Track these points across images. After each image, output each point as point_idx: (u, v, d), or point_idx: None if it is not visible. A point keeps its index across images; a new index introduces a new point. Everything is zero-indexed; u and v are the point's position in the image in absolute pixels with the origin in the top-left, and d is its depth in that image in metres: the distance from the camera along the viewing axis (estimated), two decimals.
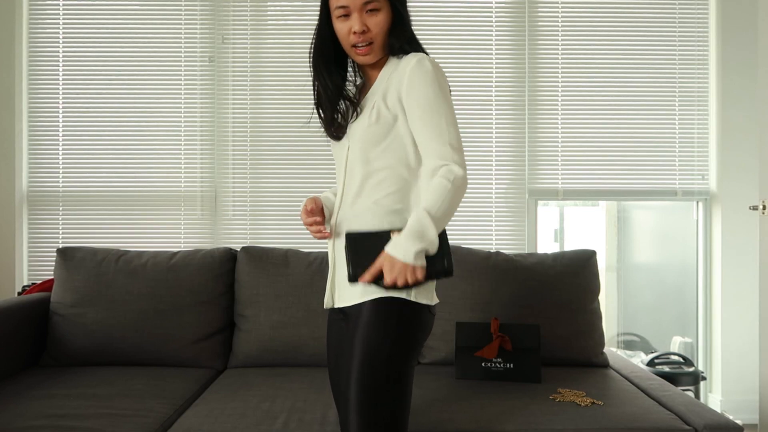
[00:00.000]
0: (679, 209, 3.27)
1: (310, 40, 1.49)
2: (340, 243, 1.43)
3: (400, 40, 1.43)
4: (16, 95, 2.97)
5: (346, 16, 1.40)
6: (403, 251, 1.28)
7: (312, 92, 1.51)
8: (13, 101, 2.96)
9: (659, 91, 3.07)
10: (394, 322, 1.33)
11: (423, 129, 1.35)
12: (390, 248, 1.30)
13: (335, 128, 1.48)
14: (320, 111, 1.51)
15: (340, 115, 1.47)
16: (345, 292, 1.42)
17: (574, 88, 3.06)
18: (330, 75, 1.47)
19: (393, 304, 1.34)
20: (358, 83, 1.55)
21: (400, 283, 1.28)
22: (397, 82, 1.39)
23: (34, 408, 1.76)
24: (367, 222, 1.39)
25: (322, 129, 1.51)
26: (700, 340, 3.12)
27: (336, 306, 1.47)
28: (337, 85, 1.47)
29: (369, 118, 1.39)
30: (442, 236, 1.34)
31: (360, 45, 1.40)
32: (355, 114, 1.44)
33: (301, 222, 2.96)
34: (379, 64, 1.47)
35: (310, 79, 1.53)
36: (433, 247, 1.30)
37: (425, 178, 1.37)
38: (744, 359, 2.98)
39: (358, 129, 1.42)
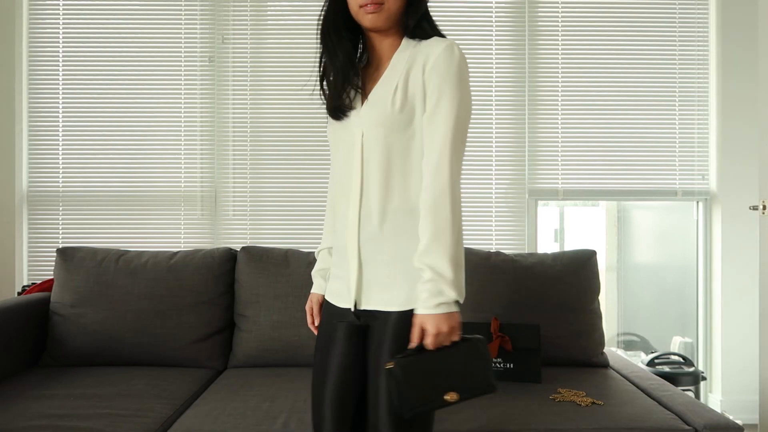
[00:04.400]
0: (679, 209, 3.27)
1: (321, 10, 1.40)
2: (366, 237, 1.31)
3: (416, 16, 1.34)
4: (16, 95, 2.97)
5: None
6: (434, 306, 1.21)
7: (318, 67, 1.41)
8: (13, 101, 2.96)
9: (659, 91, 3.07)
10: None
11: (430, 126, 1.27)
12: (421, 308, 1.22)
13: (338, 105, 1.35)
14: (324, 84, 1.39)
15: (347, 93, 1.34)
16: (378, 294, 1.31)
17: (574, 88, 3.06)
18: (339, 41, 1.37)
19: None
20: (363, 59, 1.44)
21: (444, 333, 1.22)
22: (421, 65, 1.29)
23: (34, 408, 1.76)
24: (406, 230, 1.29)
25: (325, 107, 1.40)
26: (700, 340, 3.12)
27: (363, 308, 1.33)
28: (347, 53, 1.36)
29: (392, 105, 1.28)
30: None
31: (368, 4, 1.30)
32: (363, 95, 1.34)
33: (301, 222, 2.99)
34: (391, 43, 1.37)
35: (311, 79, 1.47)
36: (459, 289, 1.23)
37: (424, 179, 1.27)
38: (744, 359, 2.98)
39: (375, 114, 1.30)
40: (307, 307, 1.53)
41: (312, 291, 1.54)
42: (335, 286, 1.41)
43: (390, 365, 1.21)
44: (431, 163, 1.25)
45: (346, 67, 1.35)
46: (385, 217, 1.29)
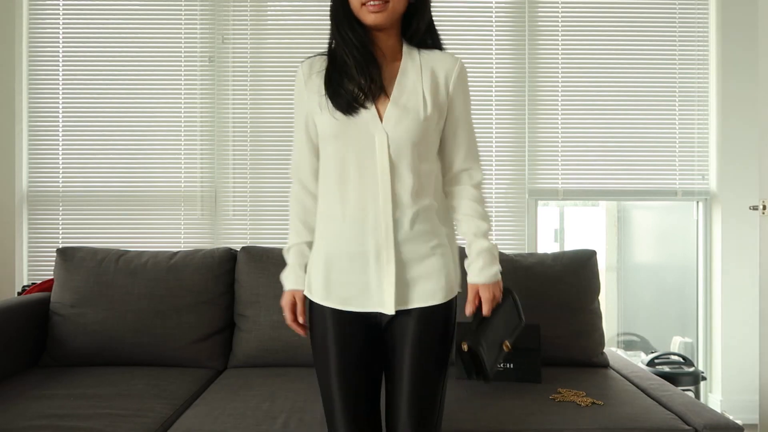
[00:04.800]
0: (679, 209, 3.27)
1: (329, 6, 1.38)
2: (401, 239, 1.32)
3: (425, 21, 1.39)
4: (16, 95, 2.96)
5: None
6: (492, 276, 1.38)
7: (326, 51, 1.39)
8: (13, 101, 2.96)
9: (659, 91, 3.06)
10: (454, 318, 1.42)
11: (461, 136, 1.42)
12: (479, 278, 1.37)
13: (353, 100, 1.31)
14: (334, 76, 1.34)
15: (367, 88, 1.30)
16: (420, 291, 1.34)
17: (574, 88, 3.06)
18: (354, 34, 1.33)
19: (453, 301, 1.40)
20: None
21: (497, 298, 1.40)
22: (443, 79, 1.36)
23: (34, 408, 1.76)
24: (432, 227, 1.36)
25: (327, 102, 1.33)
26: (700, 340, 3.12)
27: (407, 307, 1.33)
28: (362, 42, 1.32)
29: (425, 112, 1.32)
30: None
31: (372, 2, 1.28)
32: (382, 93, 1.32)
33: None
34: (394, 43, 1.37)
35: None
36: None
37: (460, 182, 1.43)
38: (744, 359, 2.98)
39: (407, 120, 1.31)
40: (287, 302, 1.43)
41: (294, 287, 1.43)
42: (344, 291, 1.35)
43: (464, 346, 1.34)
44: (471, 161, 1.43)
45: (368, 62, 1.33)
46: (416, 218, 1.33)
